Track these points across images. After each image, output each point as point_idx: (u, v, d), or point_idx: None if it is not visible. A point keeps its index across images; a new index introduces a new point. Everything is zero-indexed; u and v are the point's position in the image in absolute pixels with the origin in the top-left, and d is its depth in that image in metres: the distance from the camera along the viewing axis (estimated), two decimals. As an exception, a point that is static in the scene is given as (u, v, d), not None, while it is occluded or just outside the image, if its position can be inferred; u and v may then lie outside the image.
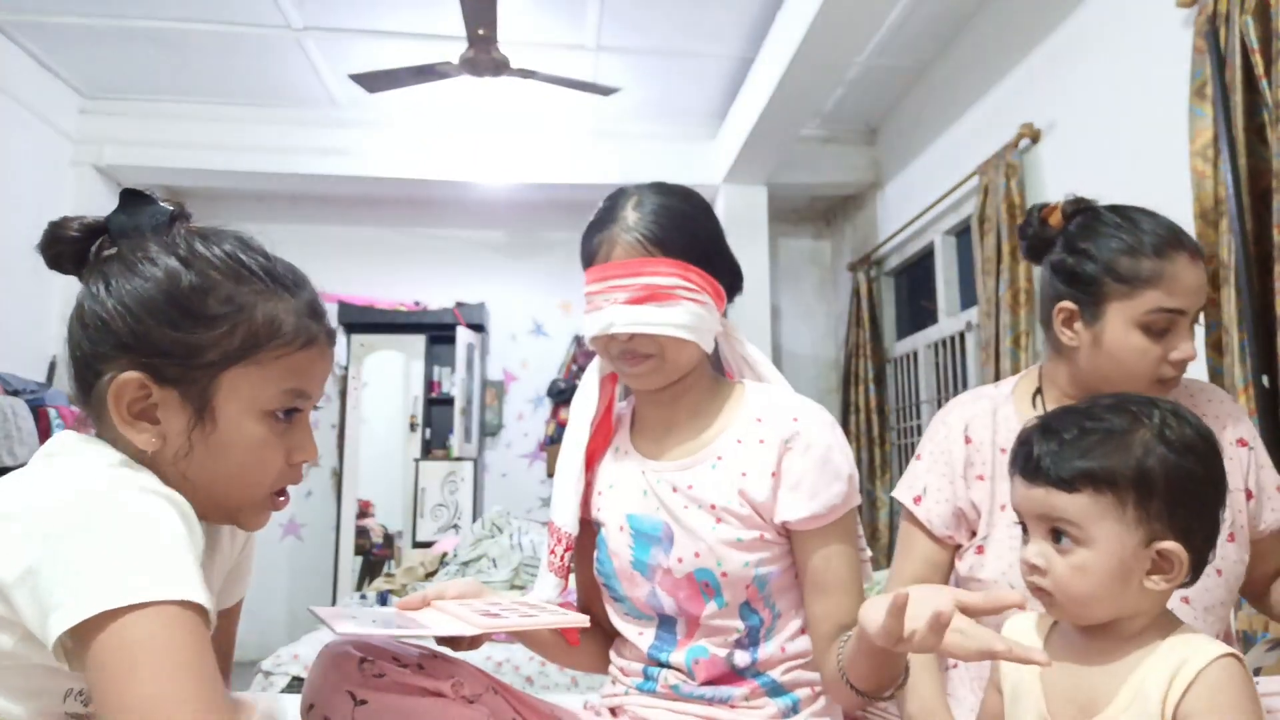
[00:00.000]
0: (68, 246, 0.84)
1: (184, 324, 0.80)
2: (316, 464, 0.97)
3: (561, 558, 1.23)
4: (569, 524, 1.23)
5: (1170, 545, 0.87)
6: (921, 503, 1.35)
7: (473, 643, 1.10)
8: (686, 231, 1.15)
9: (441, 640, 1.07)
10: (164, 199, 0.86)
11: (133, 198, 0.85)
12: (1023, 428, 0.95)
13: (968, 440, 1.35)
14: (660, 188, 1.19)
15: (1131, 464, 0.86)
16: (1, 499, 0.72)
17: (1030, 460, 0.90)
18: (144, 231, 0.83)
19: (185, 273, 0.81)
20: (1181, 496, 0.87)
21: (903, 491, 1.39)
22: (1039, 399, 1.35)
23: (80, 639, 0.65)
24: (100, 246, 0.84)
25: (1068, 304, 1.27)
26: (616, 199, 1.19)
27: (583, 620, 1.05)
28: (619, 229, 1.14)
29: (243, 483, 0.84)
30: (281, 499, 0.88)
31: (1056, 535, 0.89)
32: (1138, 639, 0.89)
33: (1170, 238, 1.22)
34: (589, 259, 1.19)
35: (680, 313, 1.12)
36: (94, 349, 0.81)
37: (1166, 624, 0.90)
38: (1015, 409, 1.35)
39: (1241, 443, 1.31)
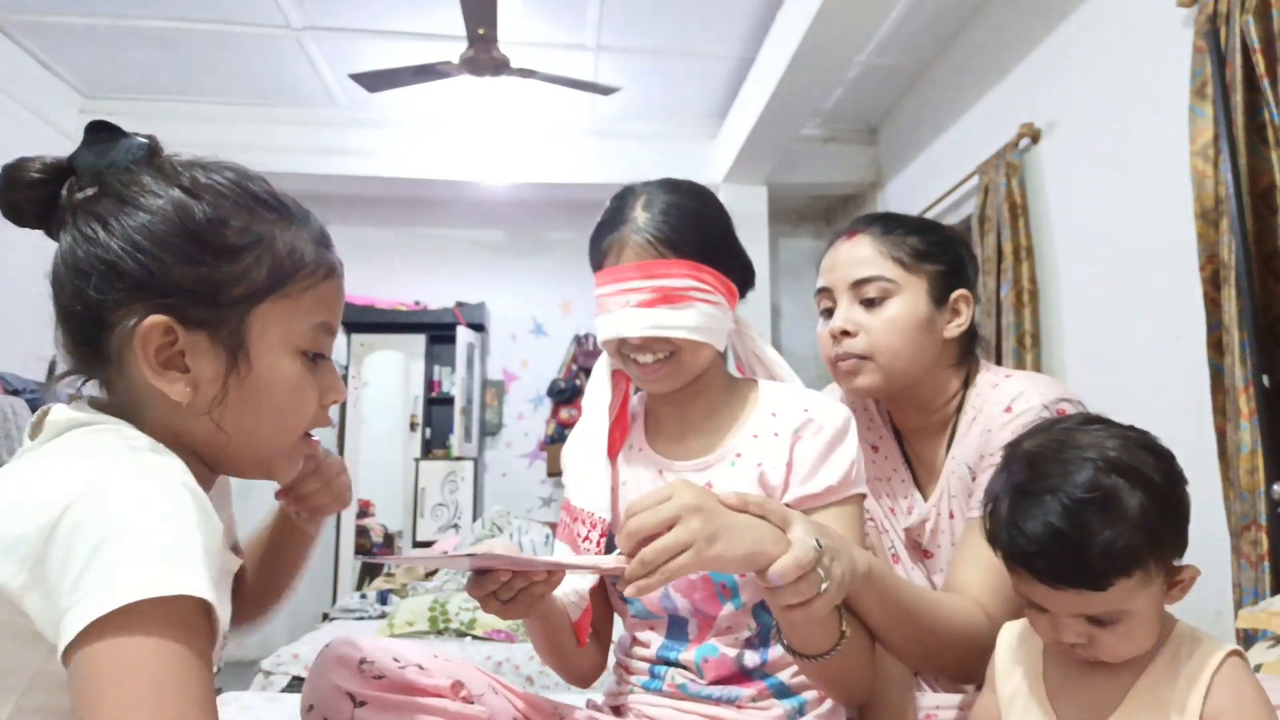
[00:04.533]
0: (29, 192, 0.74)
1: (205, 258, 0.73)
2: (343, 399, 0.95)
3: (598, 544, 1.16)
4: (602, 508, 1.17)
5: (1187, 572, 0.88)
6: None
7: (549, 579, 1.01)
8: (698, 230, 1.12)
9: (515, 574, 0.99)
10: (136, 132, 0.78)
11: (99, 131, 0.76)
12: (1015, 525, 0.88)
13: None
14: (669, 185, 1.16)
15: (1144, 540, 0.83)
16: (11, 492, 0.65)
17: (1054, 573, 0.85)
18: (123, 167, 0.75)
19: (195, 204, 0.74)
20: (1178, 521, 0.87)
21: None
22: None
23: (72, 649, 0.58)
24: (72, 188, 0.75)
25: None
26: (625, 198, 1.16)
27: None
28: (629, 230, 1.12)
29: (280, 427, 0.79)
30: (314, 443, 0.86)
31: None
32: None
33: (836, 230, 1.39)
34: (598, 261, 1.16)
35: (694, 314, 1.10)
36: (101, 297, 0.71)
37: (1165, 623, 0.91)
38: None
39: None
